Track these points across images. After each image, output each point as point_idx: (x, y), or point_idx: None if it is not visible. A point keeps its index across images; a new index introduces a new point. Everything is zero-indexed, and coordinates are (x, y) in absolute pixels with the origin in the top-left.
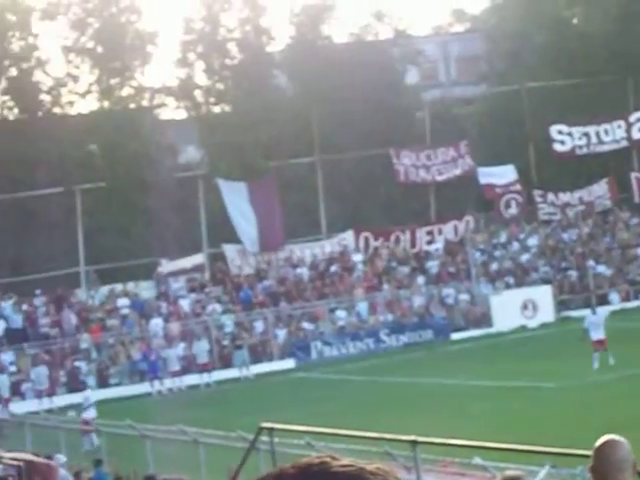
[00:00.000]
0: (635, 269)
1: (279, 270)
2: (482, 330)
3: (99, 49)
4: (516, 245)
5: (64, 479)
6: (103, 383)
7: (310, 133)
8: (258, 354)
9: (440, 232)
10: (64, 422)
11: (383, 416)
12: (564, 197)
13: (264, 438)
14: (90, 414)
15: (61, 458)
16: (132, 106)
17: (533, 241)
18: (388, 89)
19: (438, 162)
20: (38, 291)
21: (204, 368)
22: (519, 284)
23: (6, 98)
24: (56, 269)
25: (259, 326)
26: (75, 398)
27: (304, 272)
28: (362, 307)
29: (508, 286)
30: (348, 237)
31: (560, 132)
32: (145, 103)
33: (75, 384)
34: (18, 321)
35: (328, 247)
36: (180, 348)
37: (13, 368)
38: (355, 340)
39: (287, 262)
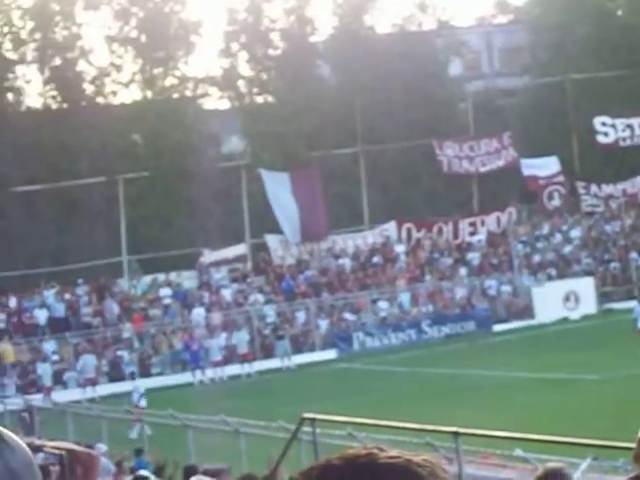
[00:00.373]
0: None
1: (321, 260)
2: (524, 322)
3: (142, 39)
4: (559, 237)
5: (105, 468)
6: (145, 373)
7: (353, 123)
8: (300, 344)
9: (483, 223)
10: (106, 411)
11: (425, 407)
12: (607, 189)
13: (306, 428)
14: (142, 403)
15: (102, 447)
16: (175, 96)
17: (576, 233)
18: (431, 80)
19: (481, 153)
20: (80, 280)
21: (245, 358)
22: (561, 276)
23: (50, 88)
24: (98, 258)
25: (301, 316)
26: (117, 387)
27: (346, 263)
28: (404, 298)
29: (550, 278)
30: (390, 228)
31: (604, 124)
32: (188, 93)
33: (117, 373)
34: (61, 310)
35: (370, 238)
36: (222, 338)
37: (55, 357)
38: (397, 331)
39: (329, 253)
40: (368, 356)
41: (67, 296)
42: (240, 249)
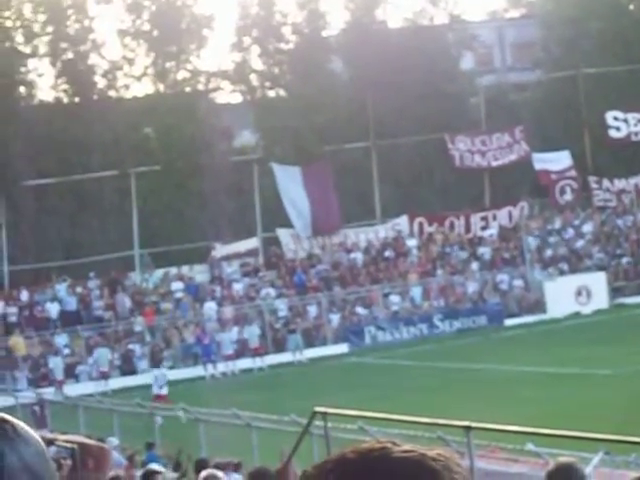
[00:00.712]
0: None
1: (333, 255)
2: (536, 316)
3: (155, 32)
4: (570, 231)
5: (116, 461)
6: (157, 366)
7: (365, 118)
8: (311, 338)
9: (494, 218)
10: (117, 405)
11: (436, 401)
12: (619, 183)
13: (317, 422)
14: (164, 391)
15: (113, 441)
16: (187, 90)
17: (588, 227)
18: (443, 74)
19: (493, 147)
20: (92, 274)
21: (256, 352)
22: (573, 270)
23: (62, 81)
24: (110, 252)
25: (313, 310)
26: (129, 381)
27: (358, 257)
28: (416, 292)
29: (562, 272)
30: (402, 222)
31: (616, 118)
32: (201, 87)
33: (129, 367)
34: (72, 304)
35: (382, 232)
36: (234, 332)
37: (67, 351)
38: (409, 325)
39: (341, 247)
40: (380, 350)
41: (79, 290)
42: (252, 243)
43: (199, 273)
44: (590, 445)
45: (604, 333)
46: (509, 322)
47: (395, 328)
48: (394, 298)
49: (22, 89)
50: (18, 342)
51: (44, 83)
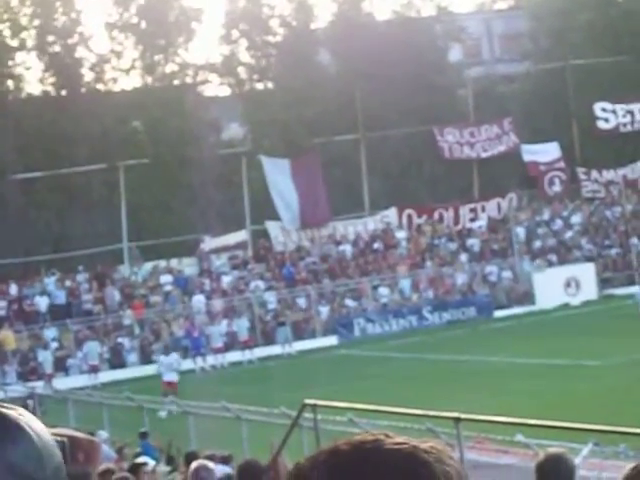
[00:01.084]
0: None
1: (322, 247)
2: (525, 308)
3: (143, 25)
4: (559, 223)
5: (106, 455)
6: (146, 359)
7: (353, 110)
8: (301, 331)
9: (483, 209)
10: (107, 398)
11: (426, 393)
12: (608, 175)
13: (307, 415)
14: (168, 377)
15: (103, 434)
16: (176, 83)
17: (576, 219)
18: (431, 66)
19: (482, 139)
20: (81, 267)
21: (245, 345)
22: (562, 262)
23: (49, 74)
24: (99, 245)
25: (302, 303)
26: (118, 374)
27: (347, 249)
28: (405, 284)
29: (551, 264)
30: (391, 214)
31: (604, 110)
32: (189, 80)
33: (118, 360)
34: (61, 297)
35: (371, 224)
36: (223, 325)
37: (56, 344)
38: (398, 317)
39: (330, 239)
40: (369, 342)
41: (68, 283)
42: (241, 236)
43: (188, 266)
44: (579, 436)
45: (593, 324)
46: (498, 313)
47: (384, 320)
48: (383, 290)
49: (10, 83)
50: (7, 336)
51: (32, 76)
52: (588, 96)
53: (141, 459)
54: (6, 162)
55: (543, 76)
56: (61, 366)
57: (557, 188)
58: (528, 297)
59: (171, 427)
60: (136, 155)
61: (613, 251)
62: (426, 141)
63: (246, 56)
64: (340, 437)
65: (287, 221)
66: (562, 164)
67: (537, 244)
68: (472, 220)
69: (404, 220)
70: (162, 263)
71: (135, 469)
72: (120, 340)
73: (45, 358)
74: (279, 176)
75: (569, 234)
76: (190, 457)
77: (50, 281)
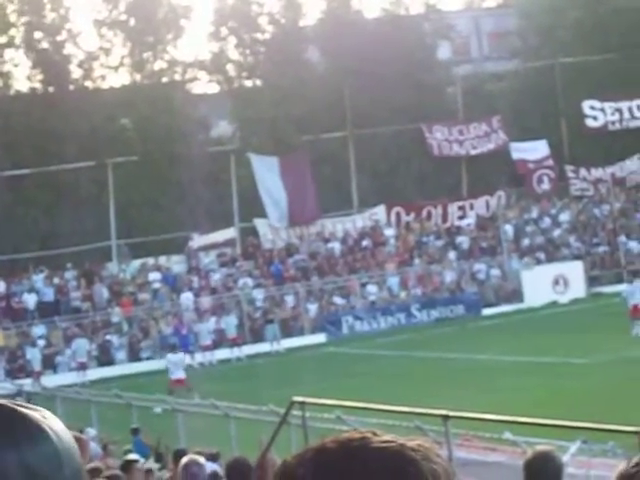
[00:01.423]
0: None
1: (311, 244)
2: (513, 305)
3: (132, 22)
4: (547, 221)
5: (94, 452)
6: (134, 357)
7: (342, 108)
8: (289, 328)
9: (472, 207)
10: (95, 395)
11: (414, 391)
12: (596, 173)
13: (295, 412)
14: (175, 375)
15: (91, 431)
16: (164, 80)
17: (565, 217)
18: (420, 64)
19: (471, 137)
20: (69, 265)
21: (234, 342)
22: (550, 260)
23: (37, 71)
24: (87, 243)
25: (290, 300)
26: (106, 372)
27: (336, 247)
28: (393, 282)
29: (539, 262)
30: (380, 212)
31: (592, 108)
32: (177, 77)
33: (106, 358)
34: (50, 295)
35: (360, 222)
36: (211, 322)
37: (42, 342)
38: (386, 315)
39: (319, 237)
40: (357, 340)
41: (56, 280)
42: (229, 233)
43: (176, 263)
44: (567, 433)
45: (581, 322)
46: (487, 311)
47: (373, 318)
48: (371, 288)
49: None
50: None
51: (20, 73)
52: (577, 94)
53: (132, 456)
54: None
55: (532, 74)
56: (49, 363)
57: (546, 186)
58: (516, 295)
59: (160, 424)
60: (125, 152)
61: (601, 249)
62: (415, 139)
63: (235, 53)
64: (328, 434)
65: (275, 219)
66: (551, 162)
67: (525, 242)
68: (461, 218)
69: (392, 218)
70: (150, 260)
71: (127, 466)
72: (109, 337)
73: (33, 355)
74: (268, 174)
75: (557, 232)
76: (179, 454)
77: (38, 278)
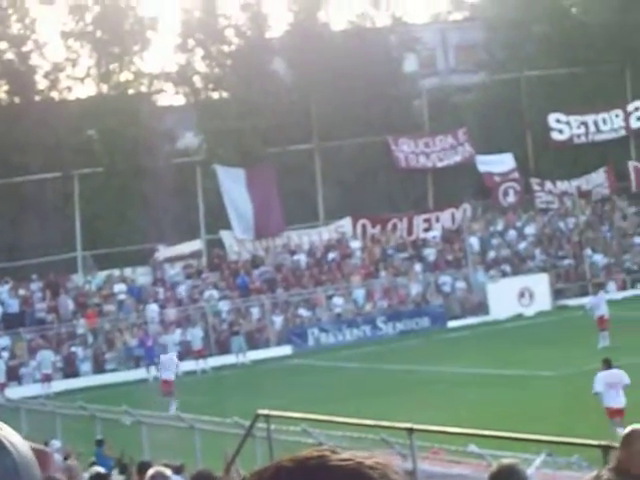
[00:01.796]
0: (632, 258)
1: (276, 257)
2: (479, 318)
3: (98, 33)
4: (513, 233)
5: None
6: (99, 369)
7: (308, 120)
8: (255, 340)
9: (437, 220)
10: (60, 407)
11: (379, 403)
12: (562, 185)
13: (260, 425)
14: (165, 375)
15: (56, 444)
16: (131, 91)
17: (530, 229)
18: (386, 76)
19: (437, 150)
20: (35, 276)
21: (199, 354)
22: (516, 272)
23: (2, 82)
24: (53, 254)
25: (256, 312)
26: (71, 384)
27: (301, 259)
28: (359, 294)
29: (505, 274)
30: (346, 224)
31: (558, 121)
32: (144, 89)
33: (71, 369)
34: (14, 306)
35: (326, 234)
36: (177, 334)
37: (6, 354)
38: (352, 327)
39: (284, 249)
40: (323, 352)
41: (21, 292)
42: (195, 245)
43: (142, 275)
44: (532, 446)
45: (546, 335)
46: (452, 324)
47: (338, 330)
48: (337, 300)
49: None
50: None
51: None
52: (543, 107)
53: (95, 469)
54: None
55: (498, 87)
56: (14, 375)
57: (511, 199)
58: (482, 307)
59: (125, 436)
60: (91, 164)
61: (567, 262)
62: (381, 151)
63: (201, 65)
64: (293, 447)
65: (240, 231)
66: (516, 175)
67: (491, 254)
68: (426, 230)
69: (358, 230)
70: (116, 272)
71: None
72: (74, 349)
73: None
74: (234, 185)
75: (523, 245)
76: (143, 466)
77: (3, 289)
